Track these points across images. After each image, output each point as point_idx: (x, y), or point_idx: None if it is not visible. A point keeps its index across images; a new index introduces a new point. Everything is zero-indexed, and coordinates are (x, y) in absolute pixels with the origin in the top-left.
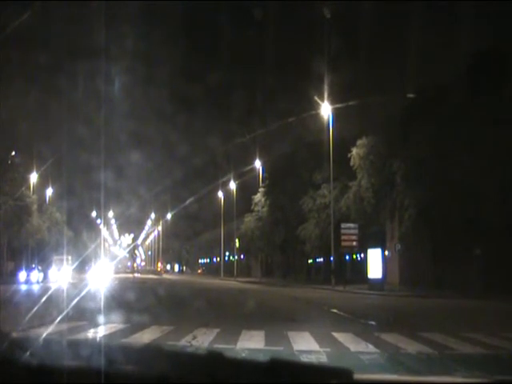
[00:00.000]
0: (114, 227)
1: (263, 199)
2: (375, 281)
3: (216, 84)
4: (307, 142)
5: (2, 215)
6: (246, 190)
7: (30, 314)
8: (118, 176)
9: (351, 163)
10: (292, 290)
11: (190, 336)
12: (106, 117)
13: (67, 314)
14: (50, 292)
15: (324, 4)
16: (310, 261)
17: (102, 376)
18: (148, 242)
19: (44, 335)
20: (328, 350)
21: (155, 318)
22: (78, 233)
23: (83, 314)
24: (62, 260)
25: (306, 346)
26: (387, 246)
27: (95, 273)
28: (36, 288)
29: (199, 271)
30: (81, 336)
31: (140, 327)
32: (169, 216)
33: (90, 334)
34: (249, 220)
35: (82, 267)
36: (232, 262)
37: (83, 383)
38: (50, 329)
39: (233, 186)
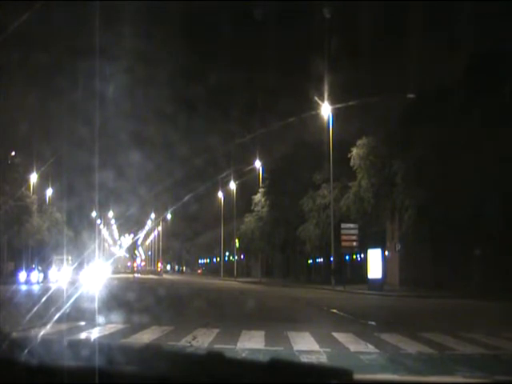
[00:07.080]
0: (115, 227)
1: (263, 199)
2: (375, 281)
3: (216, 84)
4: (307, 142)
5: (2, 215)
6: (246, 190)
7: (29, 314)
8: (118, 176)
9: (351, 163)
10: (292, 290)
11: (190, 336)
12: (106, 117)
13: (67, 314)
14: (49, 292)
15: (324, 4)
16: (310, 261)
17: (102, 376)
18: (148, 242)
19: (44, 335)
20: (328, 350)
21: (155, 318)
22: (77, 233)
23: (83, 314)
24: (62, 260)
25: (306, 347)
26: (387, 246)
27: (89, 273)
28: (36, 288)
29: (199, 271)
30: (80, 336)
31: (140, 327)
32: (169, 216)
33: (90, 334)
34: (249, 220)
35: (82, 267)
36: (232, 262)
37: (83, 383)
38: (50, 329)
39: (233, 186)
